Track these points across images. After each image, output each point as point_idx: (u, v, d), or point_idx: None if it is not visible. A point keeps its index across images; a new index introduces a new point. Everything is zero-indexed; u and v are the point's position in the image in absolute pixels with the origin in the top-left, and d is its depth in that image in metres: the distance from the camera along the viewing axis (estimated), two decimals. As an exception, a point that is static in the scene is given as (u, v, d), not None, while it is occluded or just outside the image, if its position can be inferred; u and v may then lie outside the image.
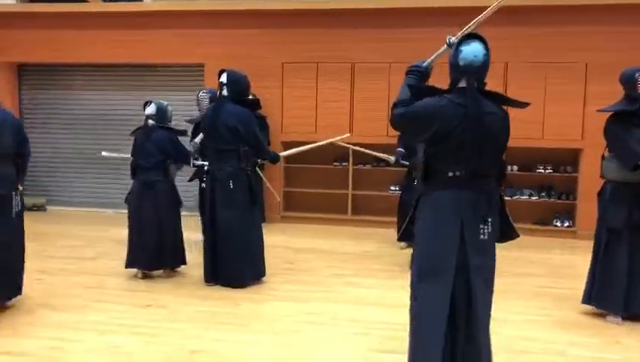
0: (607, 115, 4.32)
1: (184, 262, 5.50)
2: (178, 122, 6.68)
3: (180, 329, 4.03)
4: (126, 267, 5.33)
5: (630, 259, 4.16)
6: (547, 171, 8.02)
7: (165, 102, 5.61)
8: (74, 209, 9.39)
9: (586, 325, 4.26)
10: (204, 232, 5.25)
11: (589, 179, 7.70)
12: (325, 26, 8.34)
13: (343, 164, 8.47)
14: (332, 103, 8.30)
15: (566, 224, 7.97)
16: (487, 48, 2.84)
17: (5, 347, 3.68)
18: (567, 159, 8.02)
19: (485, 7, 2.86)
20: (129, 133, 5.76)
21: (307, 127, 8.34)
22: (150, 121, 5.46)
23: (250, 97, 5.77)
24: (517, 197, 8.12)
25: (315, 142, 6.29)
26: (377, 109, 7.89)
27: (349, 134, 7.04)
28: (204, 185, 5.62)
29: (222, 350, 3.68)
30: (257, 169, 5.96)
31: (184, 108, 8.55)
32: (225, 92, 5.15)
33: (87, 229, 7.79)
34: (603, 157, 4.36)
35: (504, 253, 6.43)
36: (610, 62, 7.54)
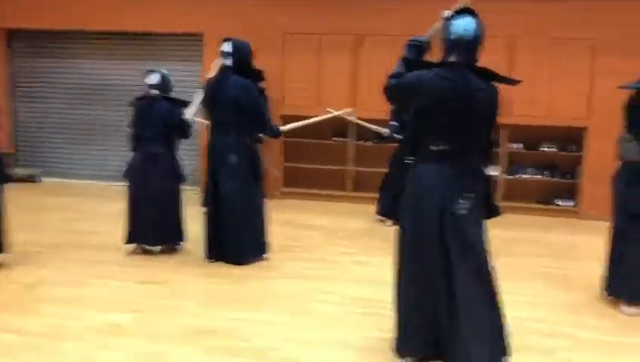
0: (615, 92, 4.08)
1: (183, 239, 5.35)
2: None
3: (184, 307, 3.91)
4: (126, 243, 5.19)
5: None
6: (551, 150, 7.93)
7: (167, 72, 5.41)
8: (69, 181, 9.21)
9: (595, 308, 4.16)
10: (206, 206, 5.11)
11: (594, 158, 7.64)
12: (329, -4, 8.11)
13: (344, 139, 8.32)
14: (335, 76, 8.11)
15: (568, 203, 7.91)
16: (478, 23, 2.81)
17: (1, 324, 3.55)
18: (572, 138, 7.91)
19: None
20: (127, 103, 5.56)
21: (309, 101, 8.15)
22: (154, 91, 5.26)
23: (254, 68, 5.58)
24: (520, 175, 8.03)
25: (317, 116, 6.14)
26: (382, 83, 7.70)
27: (352, 109, 6.90)
28: None
29: (235, 329, 3.55)
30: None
31: (182, 78, 8.32)
32: (228, 62, 4.96)
33: (83, 202, 7.64)
34: (620, 138, 4.12)
35: (505, 233, 6.50)
36: (618, 38, 7.41)
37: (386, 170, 6.85)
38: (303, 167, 8.50)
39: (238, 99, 4.84)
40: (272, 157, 7.76)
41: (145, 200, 5.13)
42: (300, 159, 8.53)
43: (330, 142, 8.41)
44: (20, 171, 8.94)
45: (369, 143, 8.12)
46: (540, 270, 5.12)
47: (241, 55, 4.99)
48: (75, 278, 4.46)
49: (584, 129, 7.73)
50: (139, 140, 5.21)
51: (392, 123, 6.28)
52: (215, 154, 4.98)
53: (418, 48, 3.03)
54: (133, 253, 5.20)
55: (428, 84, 2.80)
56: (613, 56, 7.39)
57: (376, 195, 7.04)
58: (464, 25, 2.78)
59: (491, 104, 2.87)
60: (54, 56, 9.30)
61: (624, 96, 4.12)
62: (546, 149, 7.94)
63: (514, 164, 8.03)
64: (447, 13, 2.86)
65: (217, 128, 5.01)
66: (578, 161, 7.89)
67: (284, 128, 5.74)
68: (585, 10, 7.48)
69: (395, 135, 6.32)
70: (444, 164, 2.84)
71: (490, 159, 3.07)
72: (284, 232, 6.12)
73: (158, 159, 5.15)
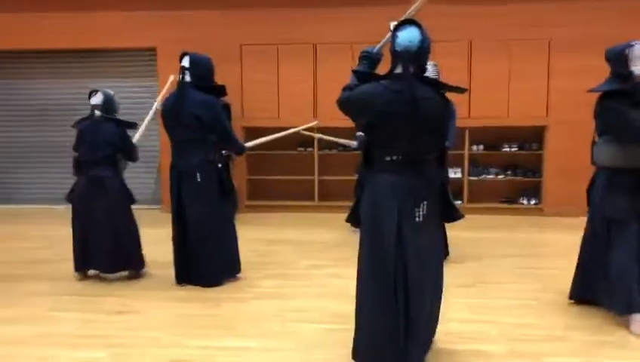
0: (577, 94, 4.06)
1: (144, 264, 5.12)
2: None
3: (157, 338, 3.70)
4: (76, 270, 4.96)
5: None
6: (512, 149, 8.03)
7: (112, 92, 5.20)
8: (21, 206, 8.78)
9: (579, 307, 4.11)
10: (173, 229, 4.89)
11: (555, 155, 7.78)
12: (284, 6, 8.01)
13: (308, 149, 8.23)
14: (295, 86, 8.03)
15: (532, 202, 8.01)
16: (423, 34, 2.85)
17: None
18: (532, 137, 8.04)
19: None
20: (70, 125, 5.31)
21: (269, 112, 8.04)
22: (97, 112, 5.03)
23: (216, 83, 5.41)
24: (483, 176, 8.10)
25: (278, 127, 6.14)
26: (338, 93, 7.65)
27: (316, 122, 6.86)
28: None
29: (211, 358, 3.38)
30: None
31: (138, 95, 8.07)
32: (187, 77, 4.78)
33: (39, 229, 7.28)
34: (593, 142, 3.99)
35: (474, 235, 6.51)
36: (573, 37, 7.58)
37: (352, 178, 6.78)
38: (267, 179, 8.36)
39: (201, 116, 4.67)
40: (235, 169, 7.59)
41: (95, 226, 4.89)
42: (263, 171, 8.39)
43: (295, 152, 8.30)
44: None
45: (334, 152, 8.04)
46: (515, 270, 5.11)
47: (201, 70, 4.81)
48: (39, 313, 4.17)
49: (544, 127, 7.85)
50: (82, 163, 4.98)
51: (359, 134, 6.20)
52: (178, 176, 4.77)
53: (370, 60, 3.08)
54: (85, 278, 4.97)
55: (377, 96, 2.85)
56: (569, 55, 7.54)
57: (343, 204, 6.95)
58: (408, 37, 2.83)
59: (440, 112, 2.92)
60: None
61: (581, 93, 4.13)
62: (508, 149, 8.03)
63: (476, 166, 8.09)
64: (392, 24, 2.91)
65: (179, 148, 4.81)
66: (539, 159, 8.01)
67: (249, 144, 5.58)
68: (539, 12, 7.62)
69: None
70: (397, 174, 2.89)
71: (444, 164, 3.12)
72: (254, 248, 5.95)
73: (105, 183, 4.91)
